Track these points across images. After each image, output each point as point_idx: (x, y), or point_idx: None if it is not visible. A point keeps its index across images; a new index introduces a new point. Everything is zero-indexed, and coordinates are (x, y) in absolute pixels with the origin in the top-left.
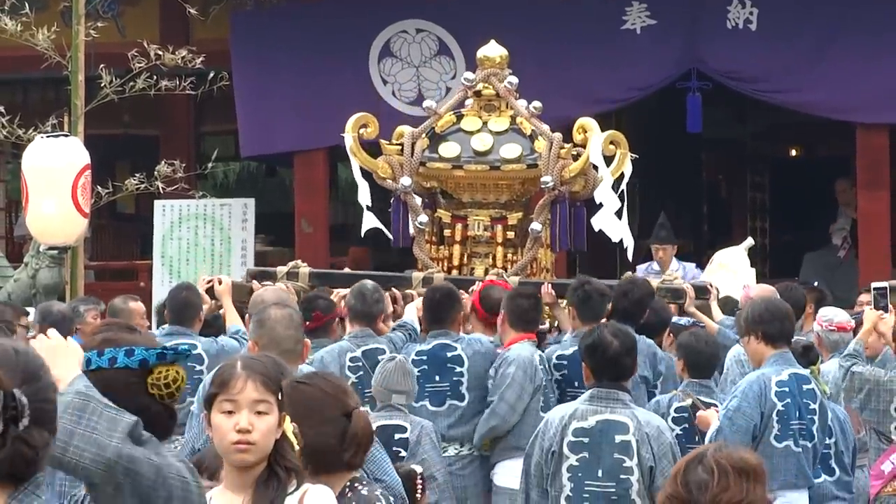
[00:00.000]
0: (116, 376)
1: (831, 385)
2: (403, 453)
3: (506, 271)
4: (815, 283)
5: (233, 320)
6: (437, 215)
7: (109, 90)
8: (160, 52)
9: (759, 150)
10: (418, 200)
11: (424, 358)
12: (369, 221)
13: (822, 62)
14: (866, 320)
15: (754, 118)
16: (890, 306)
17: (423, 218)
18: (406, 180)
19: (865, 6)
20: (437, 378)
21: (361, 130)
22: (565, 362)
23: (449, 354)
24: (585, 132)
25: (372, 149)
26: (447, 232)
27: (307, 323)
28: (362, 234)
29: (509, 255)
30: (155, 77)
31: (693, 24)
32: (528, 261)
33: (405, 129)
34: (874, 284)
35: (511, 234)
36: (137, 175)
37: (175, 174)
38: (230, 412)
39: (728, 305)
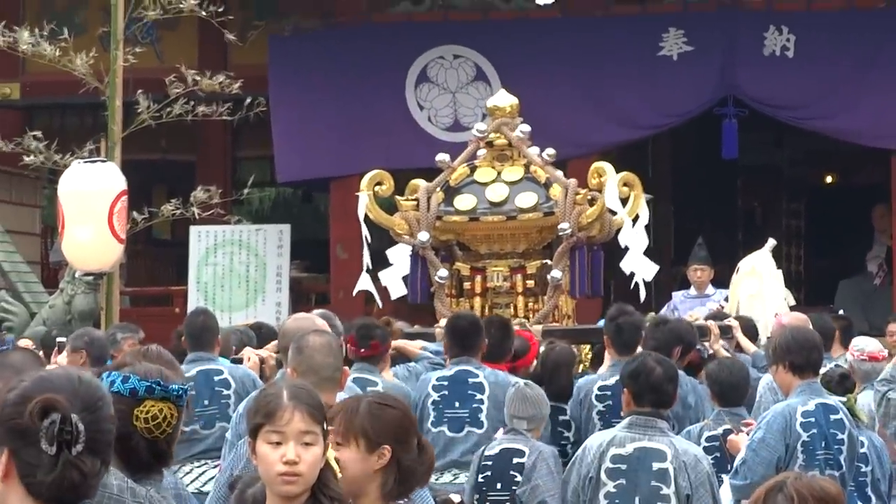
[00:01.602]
0: (114, 400)
1: (867, 412)
2: (519, 477)
3: (528, 320)
4: (841, 312)
5: None
6: (456, 268)
7: (146, 115)
8: (197, 78)
9: (796, 176)
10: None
11: (445, 383)
12: (364, 283)
13: (858, 89)
14: None
15: (790, 145)
16: None
17: (444, 272)
18: (424, 235)
19: None
20: (457, 404)
21: (377, 188)
22: (609, 392)
23: (471, 381)
24: (600, 177)
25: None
26: (467, 284)
27: (362, 350)
28: (353, 293)
29: (530, 304)
30: (192, 102)
31: (730, 51)
32: (550, 309)
33: (419, 184)
34: None
35: (531, 283)
36: (174, 200)
37: (211, 200)
38: (277, 443)
39: (742, 321)
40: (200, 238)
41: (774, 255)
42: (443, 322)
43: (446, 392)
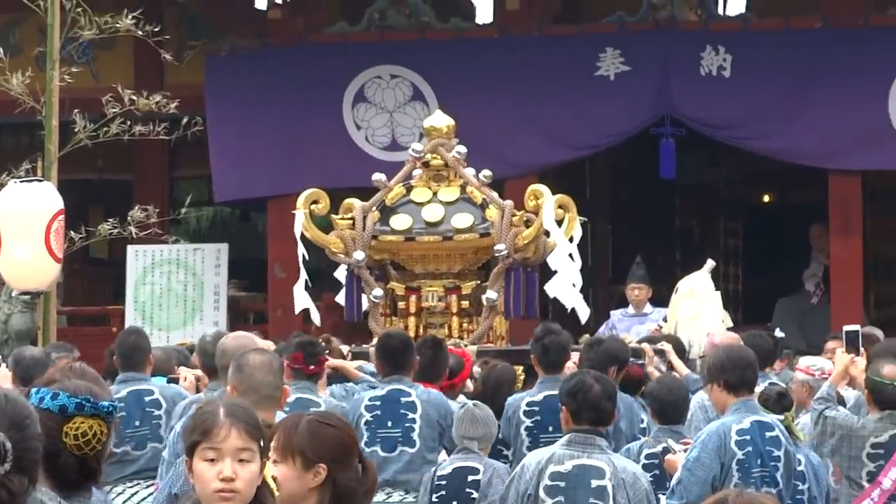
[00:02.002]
0: (42, 417)
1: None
2: (475, 494)
3: (462, 341)
4: (778, 330)
5: None
6: (391, 287)
7: (83, 135)
8: (134, 97)
9: (733, 195)
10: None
11: (378, 403)
12: (302, 301)
13: (795, 109)
14: (838, 363)
15: (728, 164)
16: (862, 350)
17: (378, 291)
18: (359, 254)
19: (838, 55)
20: (390, 424)
21: (313, 207)
22: (536, 409)
23: (403, 400)
24: (538, 199)
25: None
26: (401, 304)
27: (311, 367)
28: (295, 313)
29: (465, 325)
30: (129, 122)
31: (667, 71)
32: (485, 330)
33: (354, 203)
34: (846, 328)
35: (466, 304)
36: (111, 220)
37: (148, 219)
38: (213, 460)
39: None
40: (138, 257)
41: (713, 274)
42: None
43: (379, 412)
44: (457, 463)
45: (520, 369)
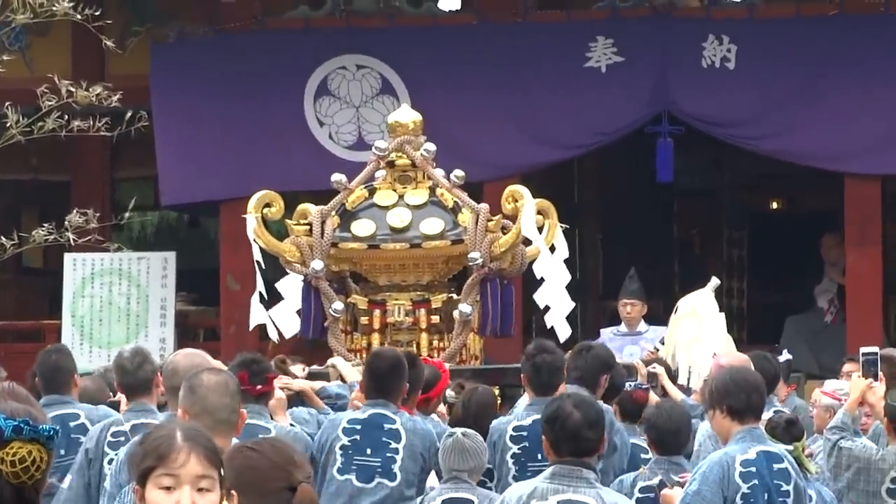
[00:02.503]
0: None
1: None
2: None
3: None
4: (785, 352)
5: None
6: (352, 301)
7: (15, 130)
8: (72, 89)
9: (737, 201)
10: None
11: (358, 427)
12: (258, 315)
13: (807, 105)
14: (853, 390)
15: (731, 166)
16: (880, 375)
17: (339, 305)
18: (318, 264)
19: (855, 44)
20: (369, 451)
21: (265, 210)
22: (525, 433)
23: (386, 427)
24: (516, 201)
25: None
26: (364, 319)
27: (258, 387)
28: (250, 328)
29: (435, 342)
30: (66, 116)
31: (664, 62)
32: (458, 348)
33: (310, 208)
34: (863, 350)
35: (436, 319)
36: (46, 225)
37: (88, 224)
38: (169, 488)
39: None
40: (76, 266)
41: (716, 293)
42: (334, 360)
43: (358, 437)
44: (448, 494)
45: (495, 391)
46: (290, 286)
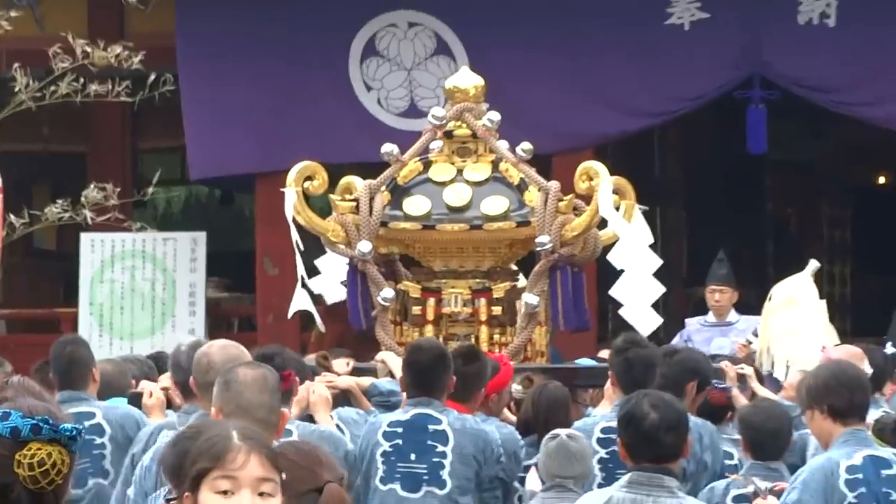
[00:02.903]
0: None
1: None
2: None
3: None
4: (887, 346)
5: None
6: (403, 288)
7: (25, 96)
8: (88, 49)
9: (839, 175)
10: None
11: (399, 430)
12: (300, 301)
13: None
14: None
15: (833, 136)
16: None
17: (389, 293)
18: (365, 245)
19: None
20: (413, 457)
21: (307, 184)
22: (614, 436)
23: (431, 428)
24: (591, 179)
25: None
26: (416, 309)
27: None
28: (289, 315)
29: (496, 336)
30: (82, 80)
31: (756, 19)
32: (523, 342)
33: (356, 182)
34: None
35: (497, 310)
36: (60, 202)
37: (107, 201)
38: (227, 492)
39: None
40: (94, 248)
41: (816, 278)
42: (383, 355)
43: (400, 441)
44: (551, 503)
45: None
46: (331, 264)
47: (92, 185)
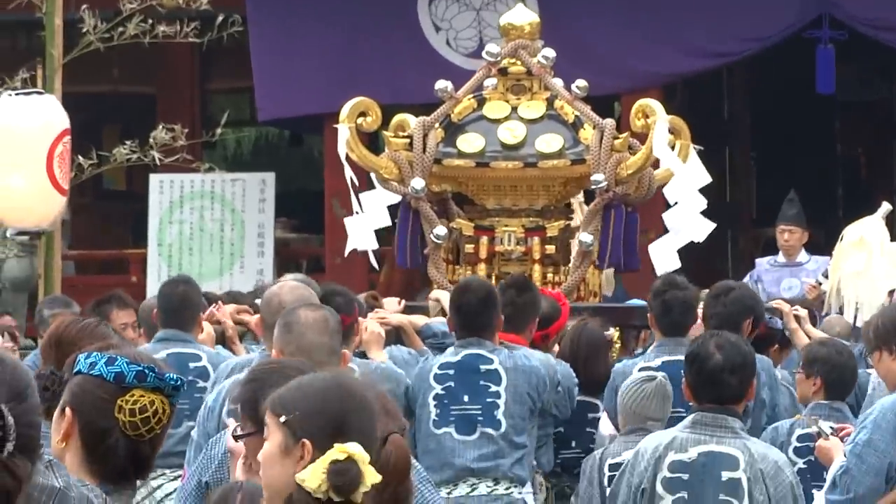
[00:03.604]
0: (90, 387)
1: None
2: None
3: None
4: None
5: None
6: (456, 226)
7: (94, 37)
8: None
9: None
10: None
11: (451, 372)
12: (359, 239)
13: None
14: None
15: None
16: None
17: (442, 230)
18: (418, 182)
19: None
20: (467, 399)
21: (360, 120)
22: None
23: (483, 368)
24: (647, 117)
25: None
26: (469, 247)
27: None
28: (346, 254)
29: (549, 276)
30: (150, 21)
31: None
32: (577, 282)
33: (408, 119)
34: None
35: (551, 249)
36: (129, 143)
37: (175, 142)
38: None
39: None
40: (163, 189)
41: (888, 221)
42: (436, 293)
43: (452, 383)
44: (635, 447)
45: (616, 334)
46: (375, 200)
47: (161, 127)
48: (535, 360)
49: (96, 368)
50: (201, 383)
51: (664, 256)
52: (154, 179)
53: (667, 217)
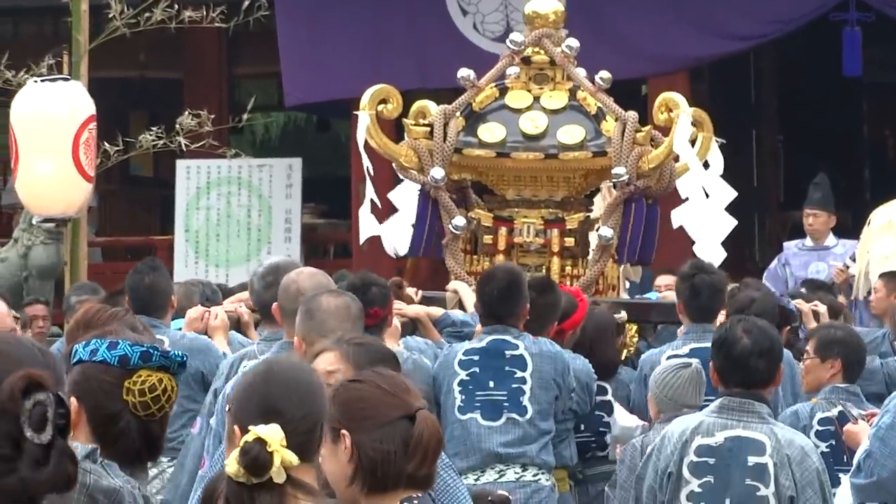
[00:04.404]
0: (94, 373)
1: None
2: None
3: None
4: None
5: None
6: (474, 216)
7: (120, 22)
8: None
9: None
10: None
11: (476, 358)
12: (369, 227)
13: None
14: None
15: None
16: None
17: (461, 220)
18: (438, 172)
19: None
20: (492, 384)
21: (380, 108)
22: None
23: (508, 354)
24: (670, 111)
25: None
26: (487, 238)
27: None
28: (361, 242)
29: (568, 269)
30: (177, 6)
31: None
32: (595, 276)
33: (429, 106)
34: None
35: (570, 241)
36: (155, 129)
37: (202, 127)
38: None
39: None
40: (190, 175)
41: None
42: (454, 284)
43: (477, 369)
44: None
45: (633, 329)
46: (405, 196)
47: (187, 112)
48: (555, 345)
49: (98, 354)
50: None
51: (709, 250)
52: (181, 165)
53: (675, 214)
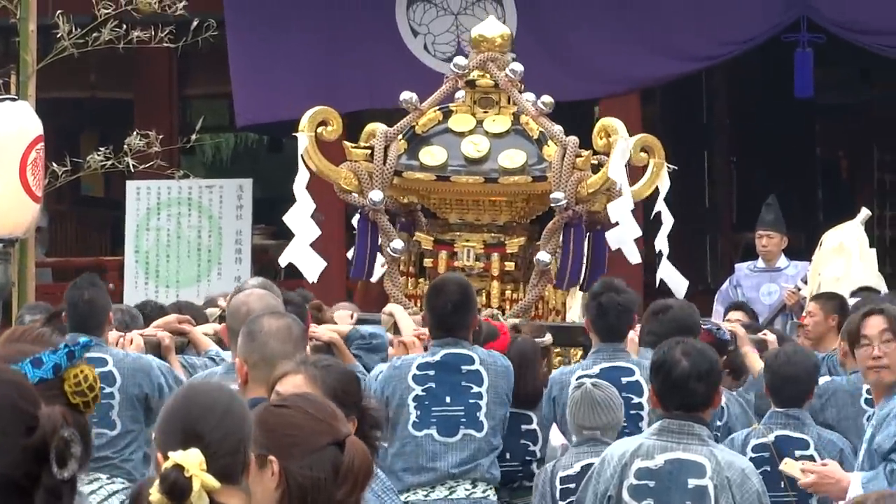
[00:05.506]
0: (41, 391)
1: None
2: None
3: (503, 313)
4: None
5: (204, 345)
6: (416, 240)
7: (69, 42)
8: None
9: (890, 119)
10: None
11: (431, 373)
12: (295, 251)
13: None
14: None
15: (882, 79)
16: None
17: (398, 243)
18: (376, 195)
19: None
20: (449, 400)
21: (320, 129)
22: None
23: (465, 369)
24: (608, 136)
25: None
26: (428, 261)
27: None
28: (282, 265)
29: (508, 293)
30: (126, 26)
31: None
32: (534, 300)
33: (381, 128)
34: None
35: (511, 266)
36: (104, 149)
37: (151, 148)
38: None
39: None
40: (140, 196)
41: (867, 226)
42: (391, 307)
43: (433, 384)
44: (586, 459)
45: (578, 354)
46: (298, 219)
47: (136, 133)
48: (506, 360)
49: (30, 377)
50: (107, 389)
51: (672, 279)
52: (131, 186)
53: (609, 236)
